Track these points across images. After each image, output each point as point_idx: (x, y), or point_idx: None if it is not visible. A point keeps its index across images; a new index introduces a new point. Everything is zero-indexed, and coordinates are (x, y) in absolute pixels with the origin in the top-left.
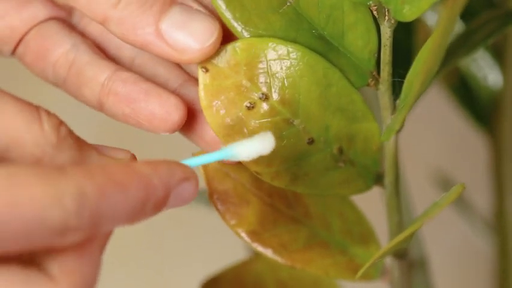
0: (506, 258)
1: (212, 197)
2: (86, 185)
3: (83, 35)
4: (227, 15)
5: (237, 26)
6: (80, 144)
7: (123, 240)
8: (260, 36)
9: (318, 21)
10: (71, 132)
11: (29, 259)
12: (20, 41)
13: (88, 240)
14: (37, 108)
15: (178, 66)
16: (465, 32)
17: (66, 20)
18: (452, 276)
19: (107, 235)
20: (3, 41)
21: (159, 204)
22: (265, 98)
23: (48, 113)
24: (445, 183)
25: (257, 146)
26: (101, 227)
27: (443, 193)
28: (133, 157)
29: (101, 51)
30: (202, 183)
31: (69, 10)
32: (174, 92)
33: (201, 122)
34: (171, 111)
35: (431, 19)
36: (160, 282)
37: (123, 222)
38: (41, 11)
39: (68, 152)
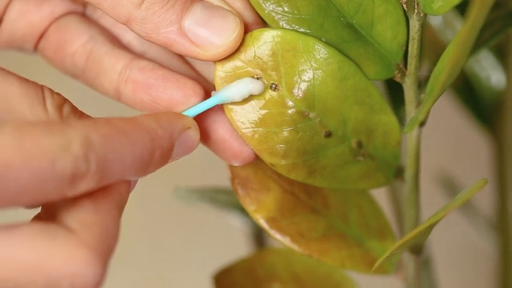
0: (509, 258)
1: (233, 181)
2: (91, 132)
3: (99, 27)
4: None
5: (264, 7)
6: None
7: (123, 239)
8: (286, 19)
9: (348, 9)
10: (74, 110)
11: (49, 217)
12: (41, 37)
13: (102, 192)
14: (41, 88)
15: (187, 63)
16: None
17: (83, 13)
18: (455, 275)
19: (123, 193)
20: (25, 38)
21: (166, 154)
22: (276, 88)
23: (51, 92)
24: (447, 183)
25: (246, 85)
26: (110, 174)
27: (446, 192)
28: None
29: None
30: (204, 182)
31: (84, 4)
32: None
33: (208, 122)
34: (189, 94)
35: (435, 20)
36: (162, 281)
37: (133, 172)
38: (58, 7)
39: None
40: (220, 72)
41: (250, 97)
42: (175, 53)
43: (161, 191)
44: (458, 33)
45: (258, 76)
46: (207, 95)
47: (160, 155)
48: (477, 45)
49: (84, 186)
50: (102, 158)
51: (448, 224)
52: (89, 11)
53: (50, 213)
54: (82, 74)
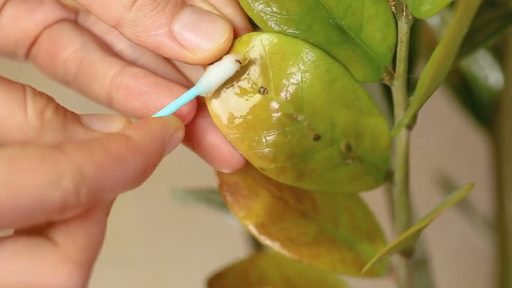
0: (507, 258)
1: (222, 188)
2: (84, 164)
3: (91, 34)
4: None
5: (253, 8)
6: (66, 123)
7: (121, 239)
8: (275, 20)
9: (337, 10)
10: (57, 111)
11: (34, 231)
12: (33, 43)
13: (91, 208)
14: (23, 90)
15: (178, 70)
16: (466, 32)
17: (75, 21)
18: (453, 275)
19: (111, 200)
20: (17, 43)
21: (157, 163)
22: (265, 91)
23: (34, 94)
24: (445, 183)
25: (224, 67)
26: (101, 200)
27: (444, 192)
28: (128, 122)
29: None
30: (202, 182)
31: (76, 12)
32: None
33: (198, 129)
34: None
35: (433, 20)
36: (160, 282)
37: (125, 190)
38: (51, 13)
39: (51, 135)
40: None
41: (238, 99)
42: (166, 60)
43: (158, 192)
44: (443, 38)
45: (237, 59)
46: (198, 102)
47: (152, 167)
48: (474, 45)
49: (73, 213)
50: (94, 189)
51: (446, 224)
52: (81, 18)
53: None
54: (74, 80)
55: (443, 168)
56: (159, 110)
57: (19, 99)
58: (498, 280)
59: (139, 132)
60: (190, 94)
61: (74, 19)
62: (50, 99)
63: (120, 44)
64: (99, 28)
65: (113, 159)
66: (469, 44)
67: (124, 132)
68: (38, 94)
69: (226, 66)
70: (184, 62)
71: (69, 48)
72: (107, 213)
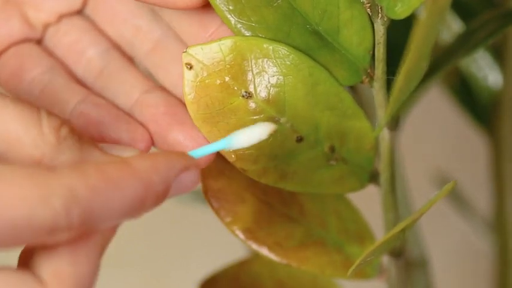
0: (507, 258)
1: (207, 194)
2: (76, 184)
3: (55, 58)
4: (221, 7)
5: (230, 19)
6: (82, 143)
7: (120, 239)
8: (253, 29)
9: (313, 16)
10: (72, 132)
11: (23, 261)
12: None
13: (83, 238)
14: (37, 110)
15: (145, 76)
16: (465, 32)
17: (40, 42)
18: (452, 276)
19: (107, 235)
20: None
21: (160, 198)
22: (249, 96)
23: (49, 114)
24: (445, 183)
25: (255, 132)
26: (95, 226)
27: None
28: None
29: (70, 72)
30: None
31: (42, 32)
32: (140, 97)
33: (164, 125)
34: (137, 139)
35: None
36: (158, 282)
37: (121, 219)
38: (18, 31)
39: (68, 153)
40: (189, 81)
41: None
42: (126, 83)
43: None
44: (414, 38)
45: (274, 117)
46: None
47: (154, 200)
48: (473, 45)
49: (65, 236)
50: (86, 211)
51: (445, 225)
52: (46, 40)
53: (26, 255)
54: (34, 102)
55: (442, 168)
56: (113, 142)
57: (34, 117)
58: (498, 280)
59: (139, 160)
60: (218, 145)
61: (39, 39)
62: (64, 120)
63: (80, 68)
64: (61, 50)
65: (107, 182)
66: (468, 43)
67: (123, 159)
68: (53, 114)
69: (260, 134)
70: (173, 6)
71: (35, 70)
72: (101, 253)
